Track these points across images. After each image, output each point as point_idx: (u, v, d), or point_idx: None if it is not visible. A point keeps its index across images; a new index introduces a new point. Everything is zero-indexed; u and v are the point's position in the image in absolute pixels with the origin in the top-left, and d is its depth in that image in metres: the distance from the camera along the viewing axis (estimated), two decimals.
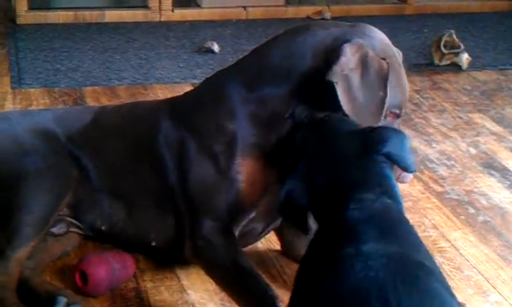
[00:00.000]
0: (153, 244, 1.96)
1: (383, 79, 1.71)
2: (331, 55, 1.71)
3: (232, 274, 1.76)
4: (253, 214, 1.83)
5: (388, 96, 1.71)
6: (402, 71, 1.82)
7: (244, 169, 1.79)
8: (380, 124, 1.70)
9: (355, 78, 1.69)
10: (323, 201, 1.47)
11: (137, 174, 1.96)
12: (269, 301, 1.69)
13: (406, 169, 1.53)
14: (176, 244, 1.90)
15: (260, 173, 1.79)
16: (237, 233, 1.82)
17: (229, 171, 1.79)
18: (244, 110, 1.79)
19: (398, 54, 1.84)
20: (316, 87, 1.72)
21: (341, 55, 1.69)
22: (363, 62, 1.70)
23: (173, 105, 1.97)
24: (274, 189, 1.76)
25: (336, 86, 1.67)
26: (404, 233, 1.36)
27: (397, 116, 1.78)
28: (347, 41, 1.72)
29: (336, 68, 1.68)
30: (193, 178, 1.83)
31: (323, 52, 1.74)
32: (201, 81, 2.02)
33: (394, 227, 1.36)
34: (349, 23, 1.84)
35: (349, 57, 1.69)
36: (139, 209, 1.96)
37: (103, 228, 2.00)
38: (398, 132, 1.58)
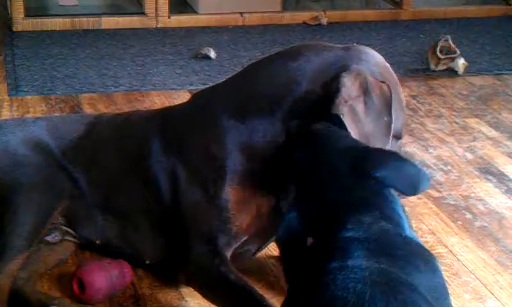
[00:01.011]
0: (148, 262, 1.96)
1: (387, 104, 1.70)
2: (330, 85, 1.69)
3: (225, 296, 1.76)
4: (244, 238, 1.83)
5: (394, 120, 1.70)
6: (401, 91, 1.81)
7: (233, 197, 1.78)
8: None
9: (359, 106, 1.66)
10: (320, 224, 1.46)
11: (130, 192, 1.96)
12: None
13: (403, 193, 1.51)
14: (171, 265, 1.90)
15: (250, 200, 1.79)
16: (229, 255, 1.81)
17: (218, 199, 1.78)
18: (234, 139, 1.78)
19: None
20: (314, 116, 1.67)
21: (341, 85, 1.66)
22: (364, 90, 1.68)
23: (163, 123, 1.95)
24: (267, 213, 1.79)
25: (342, 118, 1.64)
26: (398, 255, 1.36)
27: (398, 138, 1.78)
28: (344, 67, 1.70)
29: (340, 100, 1.65)
30: (184, 203, 1.84)
31: (319, 79, 1.72)
32: (197, 89, 2.02)
33: (388, 248, 1.36)
34: (342, 46, 1.81)
35: (349, 87, 1.67)
36: (133, 227, 1.96)
37: (97, 241, 2.01)
38: (394, 154, 1.56)
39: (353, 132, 1.65)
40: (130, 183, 1.96)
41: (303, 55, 1.77)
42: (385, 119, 1.69)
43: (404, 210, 1.48)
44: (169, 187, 1.86)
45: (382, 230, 1.38)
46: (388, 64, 1.82)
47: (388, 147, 1.68)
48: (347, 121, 1.64)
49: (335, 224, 1.41)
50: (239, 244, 1.84)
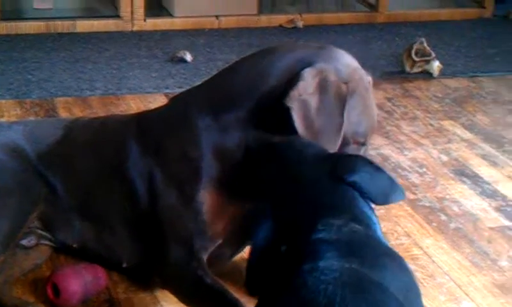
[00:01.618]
0: (124, 265, 1.95)
1: (341, 104, 1.69)
2: (292, 79, 1.70)
3: (201, 299, 1.77)
4: (220, 241, 1.83)
5: (346, 122, 1.70)
6: (370, 97, 1.80)
7: (208, 200, 1.78)
8: (346, 150, 1.72)
9: (312, 103, 1.67)
10: (292, 230, 1.47)
11: (107, 196, 1.96)
12: None
13: (373, 201, 1.52)
14: (147, 268, 1.90)
15: (225, 203, 1.79)
16: (205, 258, 1.81)
17: (193, 201, 1.79)
18: (209, 141, 1.79)
19: (366, 79, 1.81)
20: (276, 110, 1.70)
21: (300, 79, 1.68)
22: (322, 87, 1.68)
23: (140, 126, 1.95)
24: (242, 217, 1.79)
25: (291, 111, 1.66)
26: (368, 255, 1.37)
27: (362, 144, 1.77)
28: (310, 64, 1.71)
29: (294, 93, 1.67)
30: (161, 206, 1.84)
31: (286, 75, 1.72)
32: (173, 93, 2.02)
33: (358, 249, 1.37)
34: (317, 46, 1.82)
35: (308, 82, 1.68)
36: (110, 230, 1.96)
37: (74, 245, 2.00)
38: (367, 161, 1.56)
39: (300, 127, 1.66)
40: (107, 187, 1.96)
41: (275, 54, 1.79)
42: (337, 119, 1.69)
43: (375, 214, 1.49)
44: (146, 190, 1.86)
45: (352, 232, 1.40)
46: (360, 69, 1.81)
47: (335, 149, 1.68)
48: (294, 114, 1.66)
49: (306, 228, 1.41)
50: (214, 247, 1.83)
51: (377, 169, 1.53)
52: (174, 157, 1.83)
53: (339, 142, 1.69)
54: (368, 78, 1.85)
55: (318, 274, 1.28)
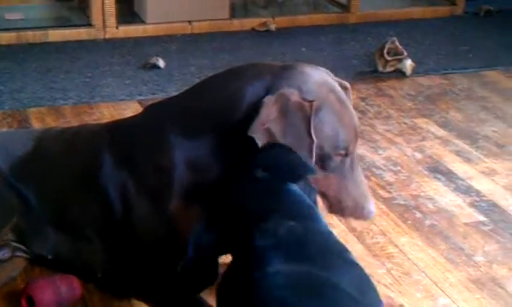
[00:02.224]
0: (99, 275, 1.95)
1: (306, 123, 1.68)
2: (256, 107, 1.69)
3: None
4: None
5: (319, 139, 1.69)
6: (345, 107, 1.78)
7: (180, 211, 1.79)
8: (329, 165, 1.74)
9: (276, 128, 1.67)
10: (231, 238, 1.50)
11: (81, 207, 1.95)
12: None
13: (284, 180, 1.56)
14: (122, 278, 1.89)
15: (196, 215, 1.78)
16: (178, 267, 1.81)
17: (166, 212, 1.79)
18: (180, 155, 1.79)
19: (338, 90, 1.80)
20: (245, 139, 1.69)
21: (261, 107, 1.68)
22: (284, 111, 1.68)
23: (113, 137, 1.94)
24: None
25: (256, 140, 1.66)
26: (313, 252, 1.40)
27: (345, 155, 1.76)
28: (274, 89, 1.70)
29: (256, 123, 1.66)
30: (134, 217, 1.84)
31: (252, 102, 1.72)
32: (146, 99, 2.02)
33: (301, 247, 1.40)
34: (284, 66, 1.81)
35: (269, 109, 1.67)
36: (84, 241, 1.95)
37: (49, 256, 1.99)
38: (274, 145, 1.62)
39: None
40: (81, 197, 1.95)
41: (242, 80, 1.78)
42: (305, 141, 1.68)
43: (316, 203, 1.57)
44: (120, 201, 1.86)
45: (291, 231, 1.42)
46: (330, 82, 1.79)
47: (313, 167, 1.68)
48: (261, 143, 1.66)
49: (245, 237, 1.45)
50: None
51: (282, 147, 1.62)
52: (147, 170, 1.84)
53: (312, 161, 1.69)
54: (345, 86, 1.85)
55: (269, 280, 1.31)
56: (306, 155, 1.68)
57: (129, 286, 1.89)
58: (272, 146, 1.63)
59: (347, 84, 1.88)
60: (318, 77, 1.77)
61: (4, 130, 2.92)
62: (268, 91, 1.71)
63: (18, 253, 2.01)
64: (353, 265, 1.42)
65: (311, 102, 1.70)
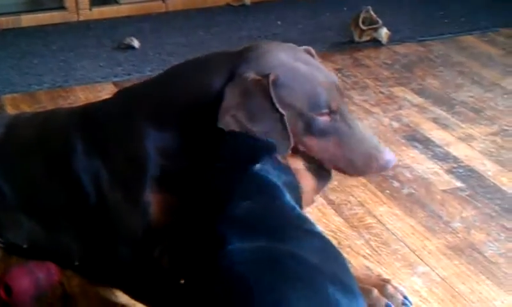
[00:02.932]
0: (77, 263, 1.94)
1: (266, 97, 1.65)
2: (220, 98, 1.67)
3: (150, 295, 1.78)
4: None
5: (291, 106, 1.66)
6: (315, 68, 1.74)
7: (153, 200, 1.77)
8: (316, 125, 1.68)
9: (242, 114, 1.64)
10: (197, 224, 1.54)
11: (54, 194, 1.93)
12: None
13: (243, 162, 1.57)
14: (99, 266, 1.89)
15: (170, 202, 1.77)
16: (154, 255, 1.81)
17: (139, 202, 1.78)
18: (152, 144, 1.77)
19: (306, 55, 1.78)
20: (215, 130, 1.67)
21: (224, 99, 1.65)
22: (244, 94, 1.65)
23: (84, 123, 1.91)
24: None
25: (227, 130, 1.63)
26: (271, 227, 1.42)
27: (330, 113, 1.70)
28: (233, 76, 1.68)
29: (221, 113, 1.63)
30: (108, 205, 1.82)
31: (216, 94, 1.69)
32: (122, 81, 1.99)
33: (259, 224, 1.42)
34: (245, 48, 1.79)
35: (230, 97, 1.65)
36: (59, 229, 1.93)
37: (24, 245, 1.97)
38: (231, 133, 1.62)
39: None
40: (54, 184, 1.93)
41: (209, 67, 1.76)
42: (273, 114, 1.65)
43: (292, 181, 1.58)
44: (93, 188, 1.85)
45: (248, 210, 1.45)
46: (290, 50, 1.77)
47: (291, 141, 1.64)
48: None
49: (207, 222, 1.48)
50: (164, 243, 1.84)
51: (238, 134, 1.61)
52: (119, 159, 1.82)
53: (290, 135, 1.65)
54: (309, 51, 1.83)
55: (230, 257, 1.33)
56: (280, 132, 1.65)
57: (105, 275, 1.88)
58: (234, 134, 1.62)
59: (311, 49, 1.84)
60: (276, 51, 1.75)
61: None
62: (231, 78, 1.69)
63: None
64: (315, 235, 1.43)
65: (266, 75, 1.66)
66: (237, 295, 1.26)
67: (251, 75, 1.67)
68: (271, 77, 1.66)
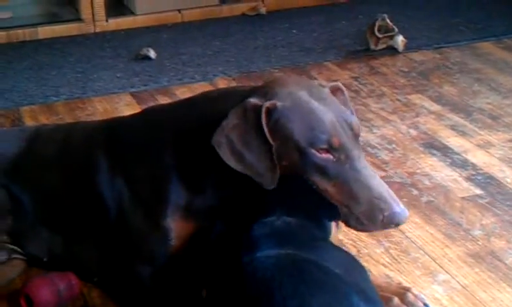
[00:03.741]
0: (95, 279, 1.95)
1: (259, 124, 1.62)
2: None
3: None
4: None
5: (281, 143, 1.62)
6: (323, 104, 1.67)
7: (174, 227, 1.79)
8: (314, 161, 1.62)
9: (235, 136, 1.63)
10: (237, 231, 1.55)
11: (76, 209, 1.94)
12: None
13: None
14: (117, 283, 1.90)
15: (189, 227, 1.79)
16: (169, 275, 1.82)
17: (160, 227, 1.79)
18: (178, 173, 1.78)
19: (318, 89, 1.73)
20: None
21: (225, 119, 1.65)
22: (242, 117, 1.64)
23: (109, 140, 1.93)
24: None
25: (218, 150, 1.63)
26: (301, 240, 1.45)
27: (330, 150, 1.62)
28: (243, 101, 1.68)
29: (217, 132, 1.64)
30: (128, 224, 1.84)
31: None
32: (138, 91, 1.99)
33: (292, 236, 1.45)
34: (268, 81, 1.80)
35: (230, 118, 1.64)
36: (79, 244, 1.95)
37: (44, 259, 1.99)
38: None
39: (230, 162, 1.63)
40: (76, 199, 1.94)
41: (230, 100, 1.74)
42: (263, 145, 1.62)
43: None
44: (115, 205, 1.86)
45: (285, 223, 1.48)
46: (303, 83, 1.74)
47: (276, 174, 1.60)
48: (220, 152, 1.63)
49: (245, 228, 1.51)
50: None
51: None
52: (143, 178, 1.84)
53: (275, 165, 1.61)
54: (337, 87, 1.80)
55: (256, 263, 1.35)
56: (266, 162, 1.62)
57: (122, 293, 1.88)
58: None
59: (340, 85, 1.81)
60: (290, 85, 1.72)
61: None
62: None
63: (15, 255, 2.01)
64: (343, 252, 1.45)
65: (268, 105, 1.63)
66: (259, 299, 1.26)
67: (253, 100, 1.66)
68: (267, 104, 1.63)
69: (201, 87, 3.26)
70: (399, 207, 1.62)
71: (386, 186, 1.66)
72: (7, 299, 1.95)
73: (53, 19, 4.24)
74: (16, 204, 1.98)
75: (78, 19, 4.15)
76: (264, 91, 1.70)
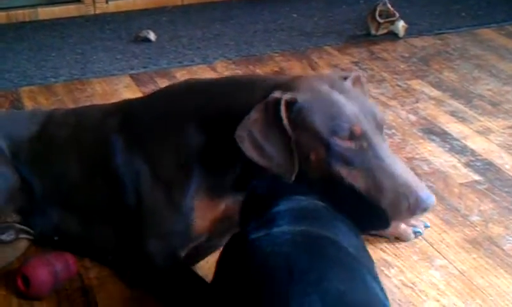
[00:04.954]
0: (110, 258, 1.95)
1: (278, 117, 1.62)
2: None
3: (175, 294, 1.78)
4: (203, 238, 1.85)
5: (303, 135, 1.62)
6: (346, 96, 1.67)
7: (196, 206, 1.79)
8: (336, 149, 1.61)
9: (256, 130, 1.63)
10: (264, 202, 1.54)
11: (90, 190, 1.95)
12: None
13: None
14: (132, 264, 1.89)
15: (212, 207, 1.79)
16: (184, 253, 1.83)
17: (181, 207, 1.79)
18: (200, 149, 1.78)
19: (343, 83, 1.73)
20: None
21: (250, 113, 1.65)
22: (264, 111, 1.64)
23: (125, 121, 1.93)
24: (230, 214, 1.79)
25: (240, 144, 1.64)
26: (320, 219, 1.45)
27: (352, 138, 1.61)
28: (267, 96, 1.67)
29: (239, 127, 1.64)
30: (147, 205, 1.83)
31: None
32: (138, 73, 1.98)
33: (313, 215, 1.44)
34: (295, 76, 1.79)
35: (253, 113, 1.65)
36: (93, 225, 1.95)
37: (55, 238, 1.99)
38: None
39: (253, 157, 1.64)
40: (91, 180, 1.94)
41: (255, 86, 1.76)
42: (282, 135, 1.63)
43: None
44: (132, 187, 1.86)
45: (306, 203, 1.48)
46: (326, 77, 1.76)
47: (295, 166, 1.61)
48: (242, 146, 1.63)
49: (274, 200, 1.50)
50: (201, 241, 1.85)
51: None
52: (164, 159, 1.83)
53: (294, 158, 1.62)
54: (358, 78, 1.80)
55: (272, 238, 1.34)
56: (285, 155, 1.62)
57: (137, 274, 1.88)
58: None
59: (359, 75, 1.81)
60: (312, 79, 1.74)
61: (3, 110, 2.90)
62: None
63: (22, 235, 2.01)
64: (356, 236, 1.45)
65: (289, 98, 1.64)
66: (277, 273, 1.25)
67: (275, 95, 1.66)
68: (286, 97, 1.64)
69: (200, 70, 3.26)
70: (424, 193, 1.58)
71: (411, 173, 1.64)
72: (4, 279, 1.95)
73: (53, 0, 4.23)
74: (28, 185, 1.99)
75: (78, 0, 4.15)
76: (287, 86, 1.70)
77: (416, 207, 1.58)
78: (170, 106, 1.90)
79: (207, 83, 1.97)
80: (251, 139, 1.64)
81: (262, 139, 1.64)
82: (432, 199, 1.59)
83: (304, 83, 1.71)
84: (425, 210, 1.60)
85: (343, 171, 1.61)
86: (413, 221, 2.01)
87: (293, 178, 1.61)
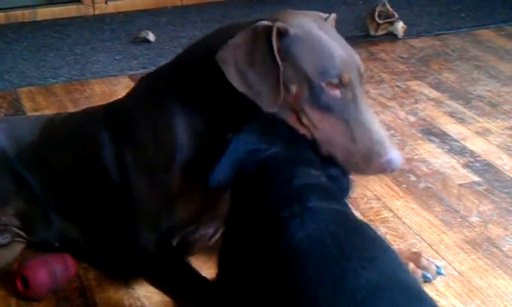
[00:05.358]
0: (110, 259, 1.95)
1: (269, 44, 1.56)
2: None
3: (171, 281, 1.76)
4: (193, 226, 1.82)
5: (289, 69, 1.57)
6: (335, 37, 1.66)
7: (179, 185, 1.75)
8: (324, 100, 1.56)
9: (242, 54, 1.57)
10: (272, 170, 1.48)
11: (87, 193, 1.94)
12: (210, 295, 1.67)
13: None
14: (124, 253, 1.88)
15: (196, 188, 1.73)
16: (175, 242, 1.81)
17: (164, 187, 1.76)
18: (182, 121, 1.73)
19: (320, 20, 1.71)
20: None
21: (234, 37, 1.60)
22: (252, 37, 1.58)
23: (108, 114, 1.92)
24: (216, 198, 1.74)
25: (221, 65, 1.58)
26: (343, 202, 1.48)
27: (340, 86, 1.57)
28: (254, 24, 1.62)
29: (222, 48, 1.58)
30: (134, 191, 1.81)
31: None
32: (137, 74, 1.98)
33: (334, 196, 1.43)
34: (281, 11, 1.72)
35: (238, 37, 1.59)
36: (93, 228, 1.94)
37: (56, 244, 1.99)
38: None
39: (235, 83, 1.57)
40: (87, 182, 1.93)
41: (235, 27, 1.68)
42: (272, 65, 1.56)
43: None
44: (117, 173, 1.84)
45: (327, 182, 1.47)
46: (314, 15, 1.73)
47: (279, 95, 1.55)
48: (225, 70, 1.57)
49: (289, 171, 1.44)
50: (190, 231, 1.83)
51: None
52: (147, 142, 1.80)
53: (279, 86, 1.56)
54: (332, 16, 1.78)
55: (312, 214, 1.31)
56: (270, 82, 1.56)
57: (130, 263, 1.87)
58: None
59: (335, 15, 1.81)
60: (301, 15, 1.68)
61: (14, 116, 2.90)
62: None
63: (18, 239, 2.01)
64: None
65: (280, 27, 1.58)
66: (327, 249, 1.25)
67: (264, 22, 1.61)
68: (278, 25, 1.58)
69: None
70: (395, 153, 1.58)
71: (385, 131, 1.63)
72: (3, 280, 1.95)
73: (52, 0, 4.22)
74: (28, 189, 1.98)
75: (77, 1, 4.13)
76: (274, 19, 1.63)
77: (386, 166, 1.58)
78: (147, 85, 1.87)
79: (181, 54, 1.87)
80: (235, 62, 1.58)
81: (246, 65, 1.57)
82: (399, 159, 1.60)
83: (293, 18, 1.65)
84: (393, 170, 1.61)
85: (316, 115, 1.58)
86: (424, 263, 1.88)
87: (274, 109, 1.56)
